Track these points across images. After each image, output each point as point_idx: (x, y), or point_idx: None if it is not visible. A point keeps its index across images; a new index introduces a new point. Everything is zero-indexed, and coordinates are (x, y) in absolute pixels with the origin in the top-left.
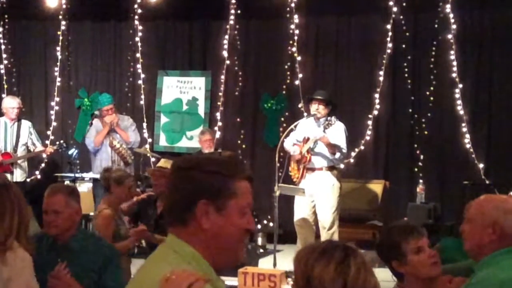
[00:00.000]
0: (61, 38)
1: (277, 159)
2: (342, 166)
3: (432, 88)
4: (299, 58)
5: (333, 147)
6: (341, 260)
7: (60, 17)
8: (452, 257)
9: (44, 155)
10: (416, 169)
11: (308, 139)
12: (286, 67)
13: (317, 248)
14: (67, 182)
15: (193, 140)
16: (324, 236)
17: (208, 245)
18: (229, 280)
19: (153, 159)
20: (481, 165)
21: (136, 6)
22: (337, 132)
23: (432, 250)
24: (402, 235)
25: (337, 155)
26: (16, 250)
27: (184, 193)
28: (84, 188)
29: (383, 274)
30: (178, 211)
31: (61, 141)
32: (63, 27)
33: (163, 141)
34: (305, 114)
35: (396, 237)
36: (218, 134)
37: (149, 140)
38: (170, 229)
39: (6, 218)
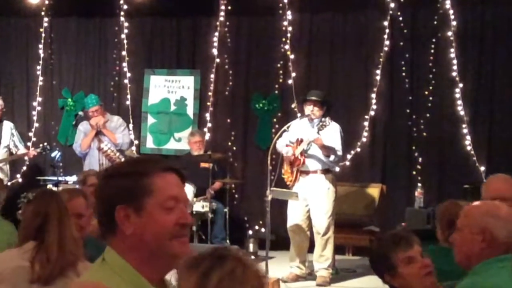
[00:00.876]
0: (43, 35)
1: (269, 161)
2: (337, 169)
3: (431, 88)
4: (292, 57)
5: (327, 149)
6: (205, 271)
7: (43, 13)
8: (439, 267)
9: (26, 158)
10: (414, 172)
11: (302, 140)
12: (278, 65)
13: (190, 258)
14: (49, 186)
15: (181, 142)
16: (318, 242)
17: (138, 252)
18: None
19: None
20: (482, 168)
21: (122, 2)
22: (332, 134)
23: (425, 259)
24: (390, 246)
25: (332, 157)
26: (82, 259)
27: (104, 202)
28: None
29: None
30: (104, 221)
31: (45, 144)
32: (45, 24)
33: (150, 143)
34: (298, 114)
35: (385, 248)
36: (207, 136)
37: (136, 142)
38: (106, 241)
39: (72, 227)
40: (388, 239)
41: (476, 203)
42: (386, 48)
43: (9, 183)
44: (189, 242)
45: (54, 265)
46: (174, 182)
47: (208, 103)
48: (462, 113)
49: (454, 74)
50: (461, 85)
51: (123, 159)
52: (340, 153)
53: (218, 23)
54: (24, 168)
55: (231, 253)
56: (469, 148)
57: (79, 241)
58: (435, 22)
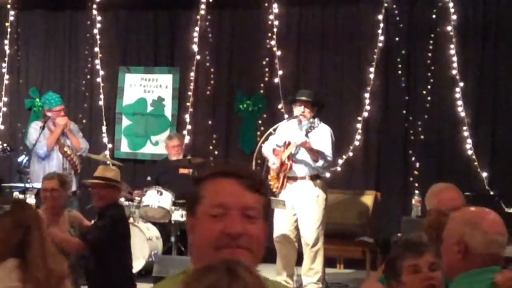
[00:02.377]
0: (9, 30)
1: (254, 167)
2: (327, 175)
3: (429, 87)
4: (278, 53)
5: (316, 154)
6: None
7: (8, 6)
8: None
9: None
10: (411, 179)
11: (290, 143)
12: (264, 63)
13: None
14: (16, 194)
15: (158, 146)
16: (307, 254)
17: (198, 262)
18: None
19: (113, 167)
20: (484, 174)
21: None
22: (322, 137)
23: (433, 273)
24: (399, 251)
25: (320, 162)
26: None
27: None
28: (33, 200)
29: None
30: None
31: (5, 144)
32: (11, 18)
33: (124, 147)
34: (285, 115)
35: (395, 253)
36: (187, 139)
37: (109, 145)
38: None
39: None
40: (401, 244)
41: (461, 210)
42: (380, 44)
43: None
44: (244, 253)
45: (47, 285)
46: (227, 189)
47: (188, 104)
48: (462, 114)
49: (454, 72)
50: (461, 84)
51: (78, 166)
52: (330, 158)
53: (198, 16)
54: None
55: (220, 263)
56: (470, 152)
57: (61, 256)
58: (434, 16)
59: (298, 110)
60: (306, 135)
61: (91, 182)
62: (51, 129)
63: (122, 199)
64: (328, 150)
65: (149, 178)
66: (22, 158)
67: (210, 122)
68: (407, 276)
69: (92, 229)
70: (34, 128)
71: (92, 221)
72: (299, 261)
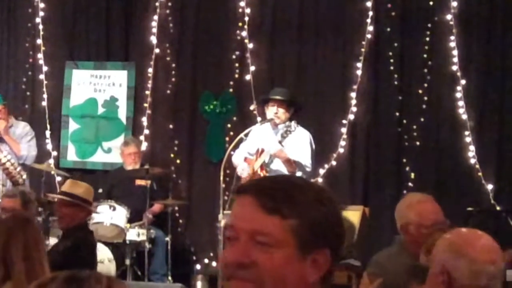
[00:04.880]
0: None
1: (222, 178)
2: None
3: (426, 85)
4: (250, 46)
5: (292, 165)
6: None
7: None
8: None
9: None
10: (405, 191)
11: (263, 151)
12: (234, 57)
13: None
14: None
15: (111, 153)
16: None
17: None
18: None
19: (59, 178)
20: (489, 186)
21: None
22: (299, 143)
23: None
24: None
25: (298, 174)
26: None
27: None
28: None
29: None
30: None
31: None
32: None
33: (72, 155)
34: (258, 118)
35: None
36: (144, 146)
37: (54, 153)
38: None
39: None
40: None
41: (450, 232)
42: (369, 36)
43: None
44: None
45: None
46: (238, 208)
47: (145, 105)
48: (464, 117)
49: (455, 68)
50: (463, 82)
51: (24, 176)
52: (309, 168)
53: (157, 3)
54: None
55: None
56: (473, 161)
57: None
58: (431, 3)
59: (271, 111)
60: (282, 141)
61: (56, 197)
62: None
63: None
64: (306, 159)
65: (100, 191)
66: None
67: (171, 126)
68: None
69: (51, 252)
70: None
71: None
72: None
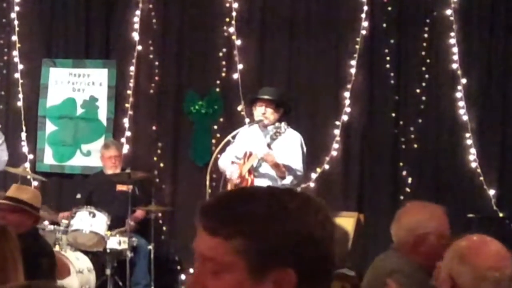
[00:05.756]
0: None
1: (208, 182)
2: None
3: (424, 85)
4: (238, 42)
5: (282, 170)
6: None
7: None
8: None
9: None
10: (402, 197)
11: (251, 154)
12: (220, 54)
13: None
14: None
15: (91, 157)
16: None
17: None
18: None
19: (35, 183)
20: (492, 192)
21: None
22: (290, 146)
23: None
24: None
25: (289, 179)
26: None
27: None
28: None
29: None
30: None
31: None
32: None
33: (49, 158)
34: (247, 120)
35: None
36: (126, 149)
37: (30, 156)
38: None
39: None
40: None
41: (462, 238)
42: (364, 32)
43: None
44: None
45: None
46: (198, 230)
47: (127, 105)
48: (465, 118)
49: (455, 66)
50: (464, 81)
51: None
52: (300, 173)
53: None
54: None
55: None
56: (474, 165)
57: None
58: None
59: (258, 111)
60: (270, 144)
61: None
62: None
63: (45, 222)
64: (297, 163)
65: (79, 196)
66: None
67: (154, 128)
68: None
69: None
70: None
71: None
72: None
